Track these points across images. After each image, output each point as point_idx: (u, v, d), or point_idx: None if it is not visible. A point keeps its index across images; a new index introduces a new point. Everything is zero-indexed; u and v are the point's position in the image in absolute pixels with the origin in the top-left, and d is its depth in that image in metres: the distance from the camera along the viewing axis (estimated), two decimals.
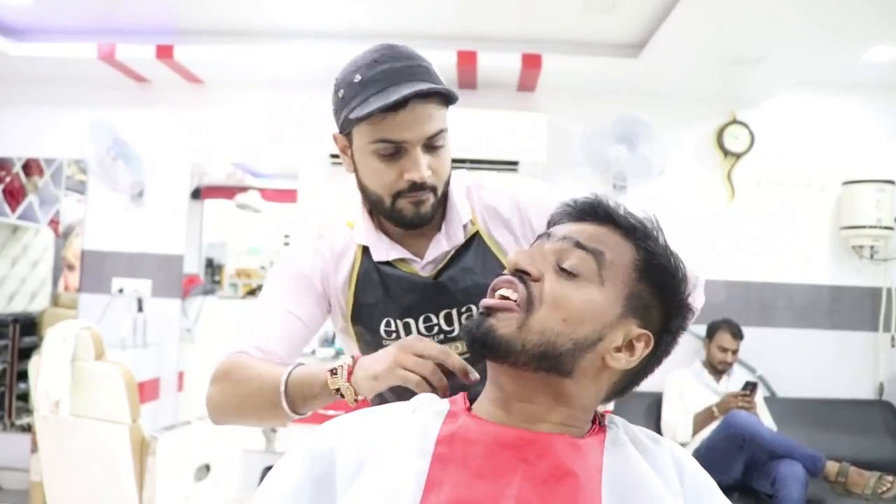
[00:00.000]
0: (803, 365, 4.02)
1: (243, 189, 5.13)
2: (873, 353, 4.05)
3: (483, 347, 0.86)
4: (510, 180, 1.43)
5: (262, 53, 3.76)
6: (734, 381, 3.69)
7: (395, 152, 1.19)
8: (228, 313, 4.91)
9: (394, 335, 1.35)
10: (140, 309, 4.05)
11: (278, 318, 1.30)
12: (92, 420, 2.86)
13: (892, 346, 3.99)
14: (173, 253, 4.16)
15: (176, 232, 4.19)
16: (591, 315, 0.85)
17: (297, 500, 0.84)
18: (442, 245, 1.31)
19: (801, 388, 3.97)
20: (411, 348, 1.04)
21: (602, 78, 3.91)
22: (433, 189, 1.23)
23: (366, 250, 1.33)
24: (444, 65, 3.70)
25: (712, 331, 3.76)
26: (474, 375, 1.02)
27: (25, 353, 3.98)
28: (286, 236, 4.93)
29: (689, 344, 3.95)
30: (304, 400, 1.14)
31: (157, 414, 3.95)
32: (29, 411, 3.80)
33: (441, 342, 1.33)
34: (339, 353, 3.81)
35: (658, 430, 3.53)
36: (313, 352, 3.86)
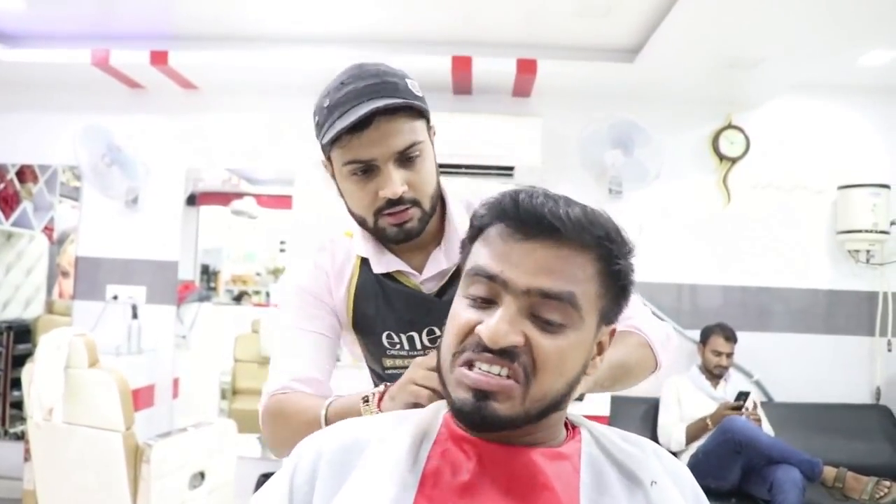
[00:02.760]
0: (800, 369, 4.01)
1: (239, 195, 5.11)
2: (870, 357, 4.04)
3: (487, 431, 0.83)
4: None
5: (256, 59, 3.75)
6: (731, 385, 3.69)
7: (367, 171, 1.19)
8: (224, 319, 4.89)
9: (397, 346, 1.35)
10: (135, 316, 4.03)
11: (304, 343, 1.31)
12: (86, 427, 2.84)
13: (889, 350, 3.98)
14: (168, 259, 4.14)
15: (171, 238, 4.18)
16: (579, 355, 0.83)
17: None
18: (441, 262, 1.31)
19: (797, 393, 3.97)
20: (424, 364, 1.03)
21: (597, 82, 3.90)
22: (415, 202, 1.23)
23: (365, 261, 1.33)
24: (439, 70, 3.70)
25: (705, 336, 3.76)
26: None
27: (19, 361, 3.95)
28: (282, 242, 4.92)
29: (685, 349, 3.94)
30: None
31: (152, 421, 3.92)
32: (22, 419, 3.77)
33: None
34: None
35: (654, 437, 3.52)
36: None
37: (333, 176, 1.29)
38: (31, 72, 3.94)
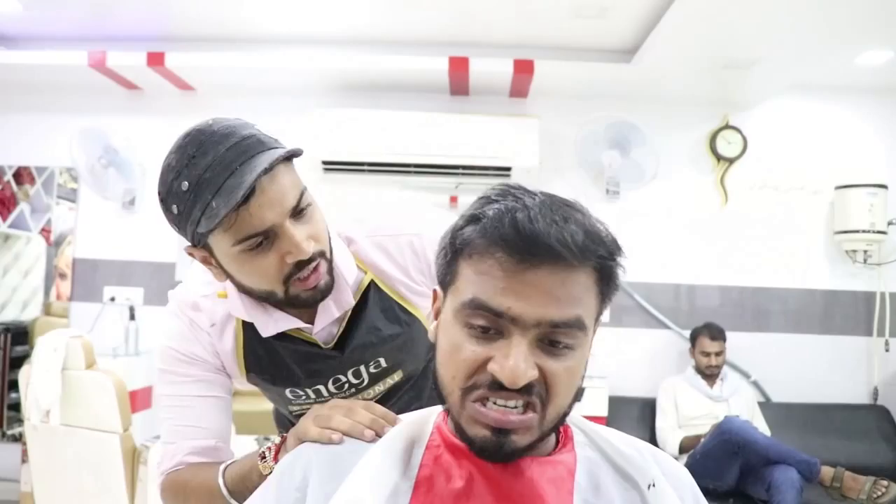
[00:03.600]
0: (798, 370, 4.01)
1: None
2: (867, 357, 4.05)
3: (506, 461, 0.81)
4: (384, 216, 1.32)
5: (253, 60, 3.75)
6: (728, 385, 3.69)
7: (264, 241, 1.04)
8: None
9: (302, 397, 1.29)
10: (132, 317, 4.02)
11: (195, 411, 1.21)
12: (83, 429, 2.84)
13: (887, 350, 3.98)
14: (165, 261, 4.14)
15: (168, 240, 4.16)
16: (584, 366, 0.83)
17: None
18: (331, 312, 1.19)
19: (795, 393, 3.97)
20: (328, 420, 0.92)
21: (594, 83, 3.91)
22: (321, 254, 1.10)
23: (248, 323, 1.20)
24: (436, 71, 3.71)
25: (693, 337, 3.77)
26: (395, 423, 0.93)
27: (17, 363, 3.94)
28: None
29: (681, 350, 3.94)
30: (252, 491, 0.98)
31: (149, 423, 3.91)
32: (20, 421, 3.76)
33: (352, 395, 1.29)
34: None
35: (652, 438, 3.52)
36: None
37: (210, 261, 1.11)
38: (27, 74, 3.93)
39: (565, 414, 0.82)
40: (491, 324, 0.77)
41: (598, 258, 0.78)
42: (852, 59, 3.61)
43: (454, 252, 0.81)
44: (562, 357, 0.78)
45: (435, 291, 0.88)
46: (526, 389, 0.76)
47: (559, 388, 0.78)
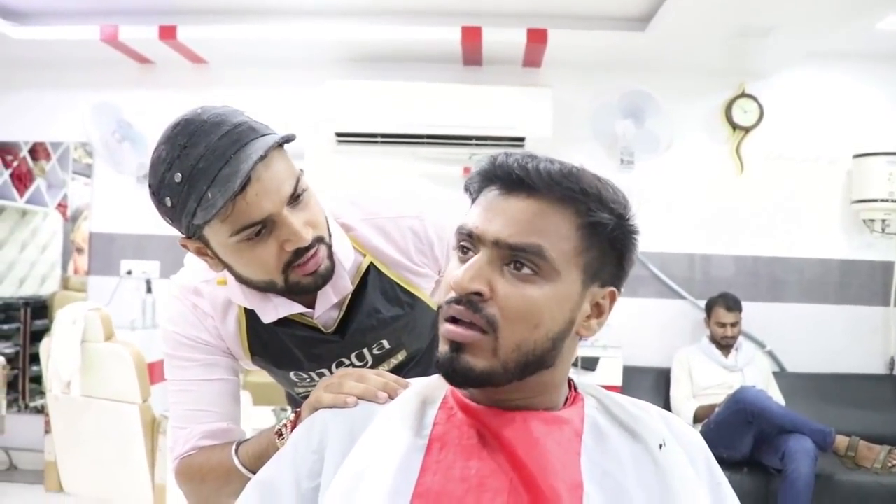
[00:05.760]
0: (813, 340, 4.00)
1: None
2: (884, 327, 4.02)
3: (465, 385, 0.84)
4: (386, 204, 1.29)
5: (265, 32, 3.73)
6: (743, 355, 3.69)
7: (262, 229, 1.02)
8: None
9: (307, 380, 1.30)
10: (149, 290, 4.07)
11: (203, 395, 1.21)
12: (103, 400, 2.89)
13: None
14: (181, 234, 4.16)
15: None
16: (558, 308, 0.82)
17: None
18: (330, 298, 1.18)
19: (810, 364, 3.96)
20: (340, 387, 0.94)
21: (608, 52, 3.86)
22: (320, 240, 1.09)
23: (249, 309, 1.19)
24: (448, 41, 3.68)
25: (709, 308, 3.77)
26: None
27: (37, 336, 3.99)
28: None
29: (696, 320, 3.94)
30: None
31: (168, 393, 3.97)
32: (42, 393, 3.82)
33: None
34: None
35: (666, 408, 3.53)
36: None
37: (205, 252, 1.09)
38: (40, 49, 3.94)
39: (537, 357, 0.82)
40: (467, 244, 0.83)
41: (571, 193, 0.80)
42: (873, 24, 3.52)
43: (468, 196, 0.89)
44: (522, 283, 0.80)
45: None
46: (471, 305, 0.80)
47: (511, 312, 0.79)
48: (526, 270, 0.80)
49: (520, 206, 0.81)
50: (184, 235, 1.08)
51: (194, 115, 1.01)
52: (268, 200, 1.00)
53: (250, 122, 1.03)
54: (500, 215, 0.81)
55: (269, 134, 1.04)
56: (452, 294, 0.82)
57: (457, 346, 0.81)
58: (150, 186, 1.03)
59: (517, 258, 0.80)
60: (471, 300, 0.80)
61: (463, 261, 0.83)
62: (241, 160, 0.97)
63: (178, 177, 0.98)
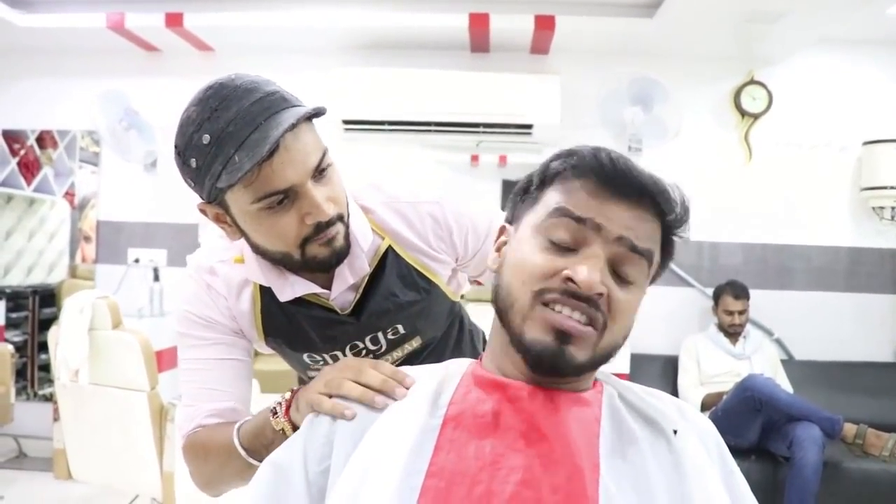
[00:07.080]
0: (821, 328, 3.99)
1: None
2: (892, 315, 4.01)
3: (557, 374, 0.84)
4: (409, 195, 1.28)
5: (272, 20, 3.71)
6: (750, 342, 3.68)
7: (285, 199, 1.02)
8: None
9: (320, 363, 1.29)
10: (156, 278, 4.07)
11: (214, 374, 1.21)
12: (111, 388, 2.90)
13: None
14: (188, 222, 4.16)
15: (190, 201, 4.16)
16: (636, 315, 0.85)
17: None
18: (346, 279, 1.18)
19: (818, 351, 3.95)
20: (339, 387, 0.94)
21: (616, 38, 3.83)
22: (340, 218, 1.08)
23: (265, 287, 1.19)
24: (456, 27, 3.66)
25: (717, 296, 3.75)
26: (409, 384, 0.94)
27: (45, 325, 4.01)
28: None
29: (704, 308, 3.93)
30: (267, 448, 1.01)
31: (176, 382, 3.98)
32: (50, 381, 3.85)
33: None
34: None
35: (674, 395, 3.52)
36: None
37: (223, 219, 1.09)
38: (46, 37, 3.93)
39: (616, 348, 0.84)
40: (571, 235, 0.81)
41: (672, 208, 0.83)
42: (884, 9, 3.49)
43: (541, 183, 0.87)
44: (625, 287, 0.82)
45: (502, 227, 0.92)
46: (593, 303, 0.80)
47: (618, 315, 0.81)
48: (632, 275, 0.82)
49: (634, 213, 0.82)
50: (204, 200, 1.07)
51: (228, 80, 1.01)
52: (293, 170, 1.00)
53: (282, 92, 1.03)
54: (617, 213, 0.81)
55: (300, 105, 1.04)
56: (570, 286, 0.80)
57: (566, 339, 0.81)
58: (175, 147, 1.03)
59: (628, 260, 0.81)
60: (591, 298, 0.80)
61: (553, 251, 0.82)
62: (272, 127, 0.97)
63: (206, 138, 0.98)
